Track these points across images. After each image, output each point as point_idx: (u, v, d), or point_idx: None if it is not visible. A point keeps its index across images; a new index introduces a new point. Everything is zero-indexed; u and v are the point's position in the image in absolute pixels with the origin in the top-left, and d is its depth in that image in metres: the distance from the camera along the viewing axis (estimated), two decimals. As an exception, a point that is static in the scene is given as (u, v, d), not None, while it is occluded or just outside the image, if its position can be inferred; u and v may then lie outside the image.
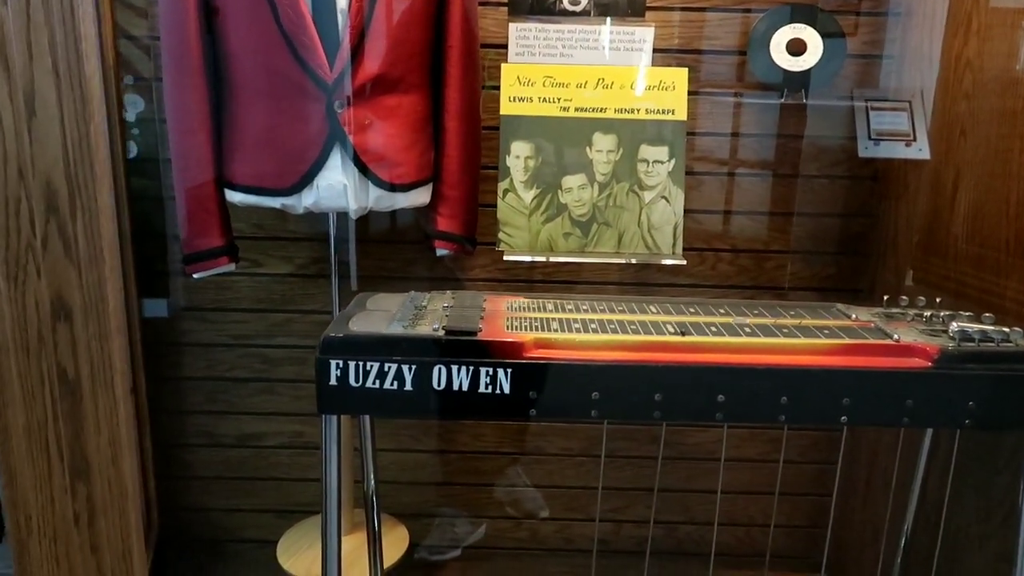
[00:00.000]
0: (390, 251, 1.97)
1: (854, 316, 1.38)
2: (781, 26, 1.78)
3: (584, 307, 1.40)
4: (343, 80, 1.48)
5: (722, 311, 1.41)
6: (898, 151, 1.76)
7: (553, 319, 1.30)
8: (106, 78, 1.34)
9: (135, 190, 1.81)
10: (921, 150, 1.75)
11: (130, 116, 1.87)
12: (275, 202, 1.56)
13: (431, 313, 1.29)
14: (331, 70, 1.46)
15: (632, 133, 1.64)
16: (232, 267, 1.65)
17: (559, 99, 1.64)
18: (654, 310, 1.40)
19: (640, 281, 1.97)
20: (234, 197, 1.58)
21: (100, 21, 1.14)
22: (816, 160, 1.92)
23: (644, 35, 1.84)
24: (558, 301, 1.45)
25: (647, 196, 1.64)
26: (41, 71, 0.76)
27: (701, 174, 1.92)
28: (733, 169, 1.92)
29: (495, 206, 1.76)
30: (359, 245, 1.88)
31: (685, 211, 1.65)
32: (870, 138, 1.77)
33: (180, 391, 2.06)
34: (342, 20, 1.47)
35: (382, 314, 1.29)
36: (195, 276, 1.62)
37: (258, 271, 1.99)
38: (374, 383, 1.17)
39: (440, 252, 1.71)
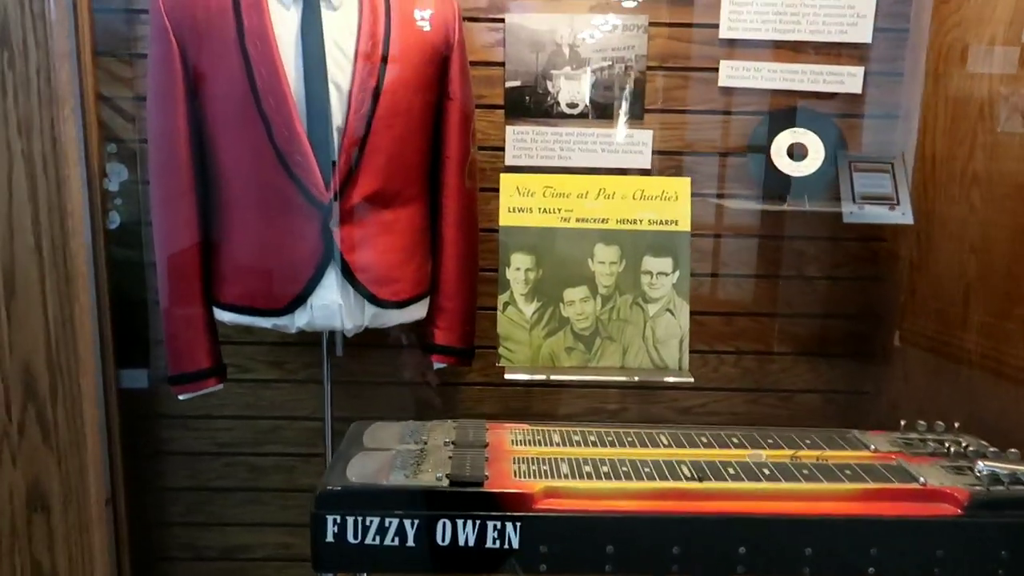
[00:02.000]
0: (383, 357, 1.90)
1: (873, 447, 1.32)
2: (782, 130, 1.76)
3: (592, 438, 1.34)
4: (339, 198, 1.43)
5: (735, 441, 1.35)
6: (882, 215, 1.73)
7: (561, 458, 1.24)
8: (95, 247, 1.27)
9: (116, 260, 1.74)
10: (904, 214, 1.72)
11: (113, 185, 1.81)
12: (267, 322, 1.50)
13: (432, 453, 1.23)
14: (327, 189, 1.42)
15: (635, 244, 1.60)
16: (220, 387, 1.57)
17: (559, 209, 1.60)
18: (665, 441, 1.34)
19: (643, 384, 1.91)
20: (223, 317, 1.52)
21: (91, 191, 1.08)
22: (817, 261, 1.89)
23: (643, 138, 1.81)
24: (564, 431, 1.39)
25: (651, 309, 1.59)
26: (22, 248, 0.71)
27: (701, 275, 1.88)
28: (734, 270, 1.88)
29: (491, 308, 1.71)
30: (352, 349, 1.81)
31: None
32: (854, 201, 1.74)
33: (161, 502, 1.96)
34: (338, 137, 1.42)
35: (381, 455, 1.22)
36: (181, 398, 1.54)
37: (245, 376, 1.91)
38: (374, 539, 1.10)
39: (437, 366, 1.64)
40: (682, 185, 1.61)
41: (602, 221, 1.60)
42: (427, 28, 1.51)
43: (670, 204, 1.60)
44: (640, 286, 1.59)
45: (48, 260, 0.70)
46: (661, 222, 1.60)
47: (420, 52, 1.49)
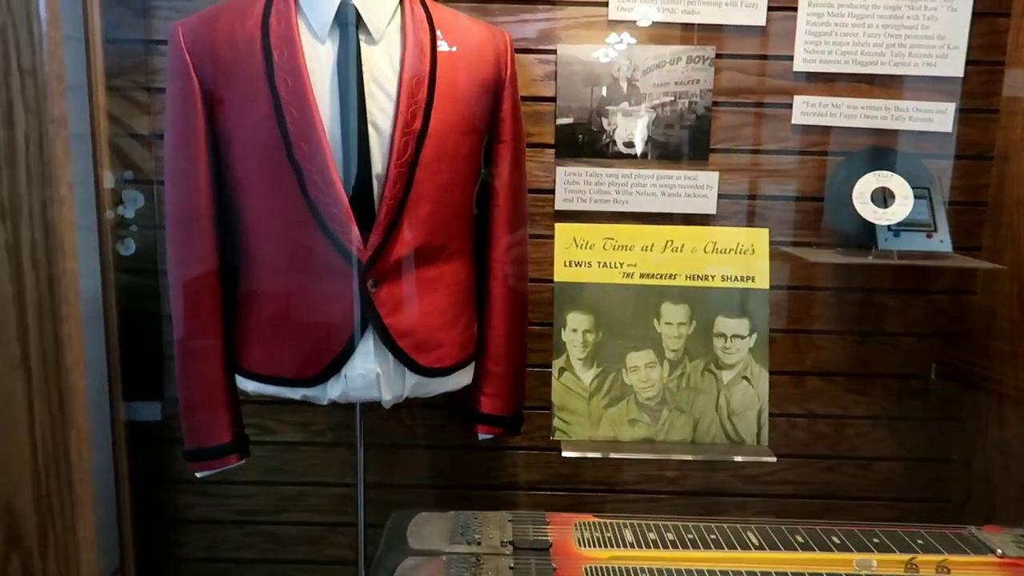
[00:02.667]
0: (420, 416, 1.74)
1: (1000, 551, 1.14)
2: (864, 173, 1.58)
3: (669, 535, 1.17)
4: (378, 256, 1.26)
5: (836, 541, 1.17)
6: (918, 243, 1.55)
7: (640, 568, 1.05)
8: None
9: (127, 288, 1.63)
10: (943, 242, 1.54)
11: (129, 212, 1.67)
12: (295, 393, 1.33)
13: (490, 561, 1.05)
14: (365, 245, 1.25)
15: (707, 303, 1.42)
16: (243, 462, 1.40)
17: (621, 263, 1.43)
18: (755, 541, 1.15)
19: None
20: (247, 386, 1.36)
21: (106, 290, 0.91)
22: (900, 315, 1.70)
23: (708, 180, 1.64)
24: (636, 526, 1.21)
25: (726, 376, 1.42)
26: (4, 363, 0.56)
27: (771, 331, 1.70)
28: (806, 325, 1.70)
29: (539, 366, 1.55)
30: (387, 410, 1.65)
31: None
32: (889, 228, 1.55)
33: (175, 574, 1.80)
34: (377, 187, 1.26)
35: (431, 564, 1.05)
36: (198, 475, 1.38)
37: (268, 439, 1.75)
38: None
39: (483, 437, 1.47)
40: (760, 237, 1.44)
41: (669, 277, 1.43)
42: (477, 62, 1.35)
43: (746, 258, 1.43)
44: (713, 350, 1.42)
45: (38, 377, 0.56)
46: (736, 278, 1.43)
47: (469, 89, 1.33)
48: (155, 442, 1.73)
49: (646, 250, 1.43)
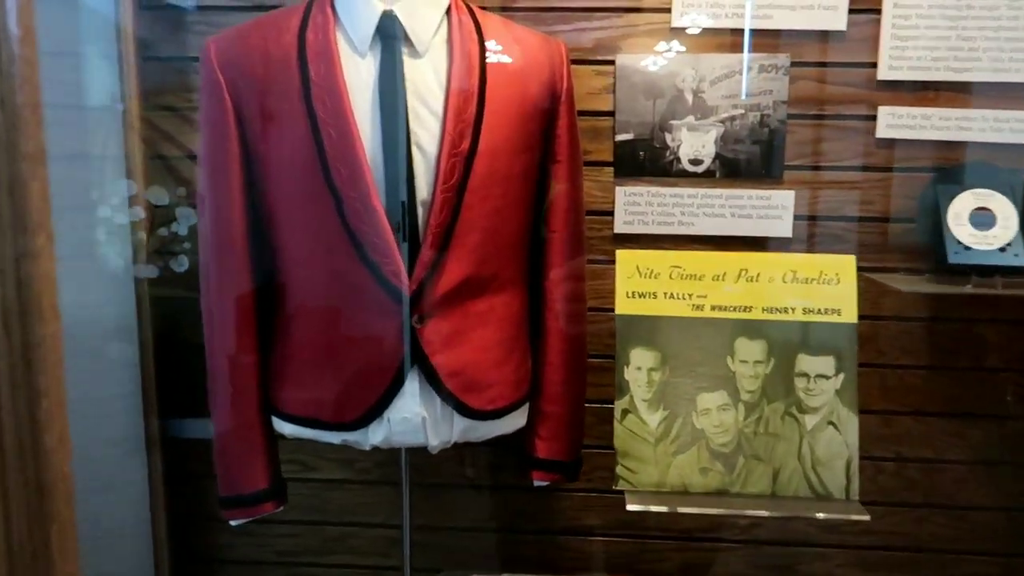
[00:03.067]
0: (470, 455, 1.62)
1: None
2: (959, 191, 1.42)
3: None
4: (424, 288, 1.15)
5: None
6: (991, 257, 1.37)
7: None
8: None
9: (180, 305, 1.56)
10: (1018, 256, 1.36)
11: (182, 230, 1.60)
12: (335, 437, 1.23)
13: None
14: (409, 277, 1.14)
15: (787, 339, 1.28)
16: (280, 509, 1.30)
17: (690, 295, 1.30)
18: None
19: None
20: (283, 428, 1.26)
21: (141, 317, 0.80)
22: (1000, 349, 1.53)
23: (782, 200, 1.49)
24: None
25: (809, 421, 1.27)
26: None
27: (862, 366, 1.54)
28: (894, 359, 1.54)
29: (597, 402, 1.42)
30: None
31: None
32: (959, 241, 1.39)
33: (213, 618, 1.71)
34: (423, 215, 1.15)
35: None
36: (232, 523, 1.28)
37: (311, 476, 1.65)
38: None
39: (538, 483, 1.35)
40: (846, 265, 1.29)
41: (744, 309, 1.29)
42: (530, 76, 1.23)
43: (831, 288, 1.28)
44: (794, 392, 1.27)
45: (12, 464, 0.45)
46: (820, 311, 1.28)
47: (521, 105, 1.21)
48: (194, 477, 1.64)
49: (718, 279, 1.30)
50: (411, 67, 1.16)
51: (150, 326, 1.56)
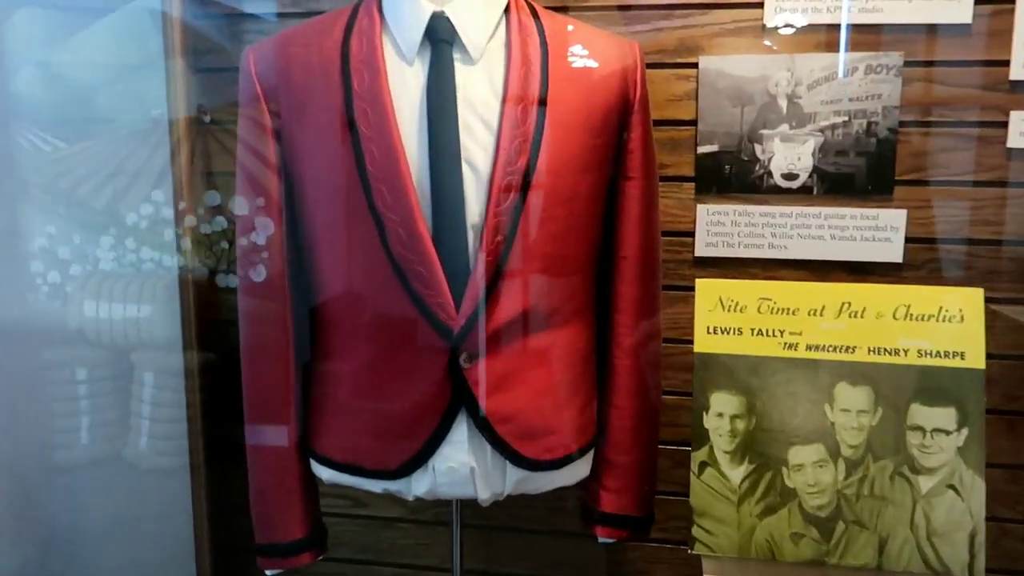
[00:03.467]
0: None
1: None
2: (1112, 210, 1.20)
3: None
4: (473, 324, 1.02)
5: None
6: None
7: None
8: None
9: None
10: None
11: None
12: (375, 486, 1.11)
13: None
14: (457, 311, 1.01)
15: (897, 386, 1.09)
16: (319, 559, 1.20)
17: (782, 331, 1.12)
18: None
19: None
20: (322, 473, 1.15)
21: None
22: None
23: (892, 220, 1.30)
24: None
25: (924, 483, 1.08)
26: None
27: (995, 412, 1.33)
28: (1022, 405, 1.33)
29: (672, 444, 1.26)
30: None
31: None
32: None
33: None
34: (473, 239, 1.02)
35: None
36: (268, 573, 1.18)
37: (360, 512, 1.55)
38: None
39: (603, 540, 1.19)
40: (971, 299, 1.09)
41: (847, 350, 1.11)
42: (599, 82, 1.09)
43: (953, 327, 1.09)
44: (906, 448, 1.08)
45: None
46: (939, 354, 1.09)
47: (588, 116, 1.07)
48: (238, 511, 1.56)
49: (815, 314, 1.12)
50: (463, 74, 1.03)
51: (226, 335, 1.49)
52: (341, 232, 1.06)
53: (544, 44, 1.07)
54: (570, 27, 1.12)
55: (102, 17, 1.45)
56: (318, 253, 1.09)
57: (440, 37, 1.03)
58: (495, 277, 1.02)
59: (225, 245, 1.51)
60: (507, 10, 1.07)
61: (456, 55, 1.03)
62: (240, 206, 1.13)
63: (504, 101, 1.02)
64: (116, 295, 1.48)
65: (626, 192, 1.13)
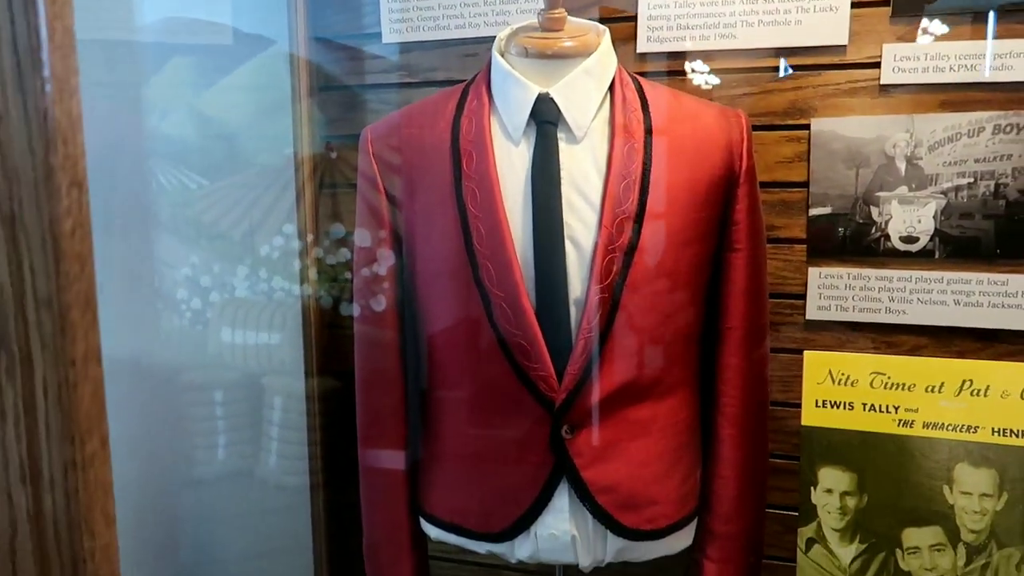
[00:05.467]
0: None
1: None
2: None
3: None
4: (575, 396, 1.05)
5: None
6: None
7: None
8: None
9: None
10: None
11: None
12: (480, 547, 1.15)
13: None
14: (559, 383, 1.04)
15: (1025, 470, 1.03)
16: (428, 614, 1.25)
17: (897, 407, 1.09)
18: None
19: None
20: (430, 531, 1.20)
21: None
22: None
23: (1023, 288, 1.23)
24: None
25: (1055, 576, 1.01)
26: None
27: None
28: None
29: (782, 508, 1.23)
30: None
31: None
32: None
33: None
34: (576, 314, 1.05)
35: None
36: (379, 623, 1.24)
37: (466, 559, 1.59)
38: None
39: (707, 612, 1.19)
40: (1110, 381, 1.02)
41: (968, 430, 1.06)
42: (703, 156, 1.09)
43: (1088, 410, 1.02)
44: (1034, 537, 1.02)
45: None
46: (1072, 438, 1.02)
47: (691, 191, 1.08)
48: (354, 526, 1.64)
49: (933, 391, 1.08)
50: (567, 153, 1.06)
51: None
52: (450, 304, 1.11)
53: (648, 119, 1.09)
54: (674, 100, 1.13)
55: (241, 64, 1.58)
56: (429, 323, 1.14)
57: (545, 118, 1.06)
58: (596, 350, 1.04)
59: (348, 275, 1.61)
60: (611, 87, 1.10)
61: (561, 134, 1.07)
62: (359, 276, 1.20)
63: (607, 179, 1.05)
64: (249, 322, 1.59)
65: (732, 263, 1.13)
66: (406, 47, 1.49)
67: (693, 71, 1.35)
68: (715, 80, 1.34)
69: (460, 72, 1.47)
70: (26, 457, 0.44)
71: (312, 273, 1.58)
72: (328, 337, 1.60)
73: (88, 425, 0.43)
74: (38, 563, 0.44)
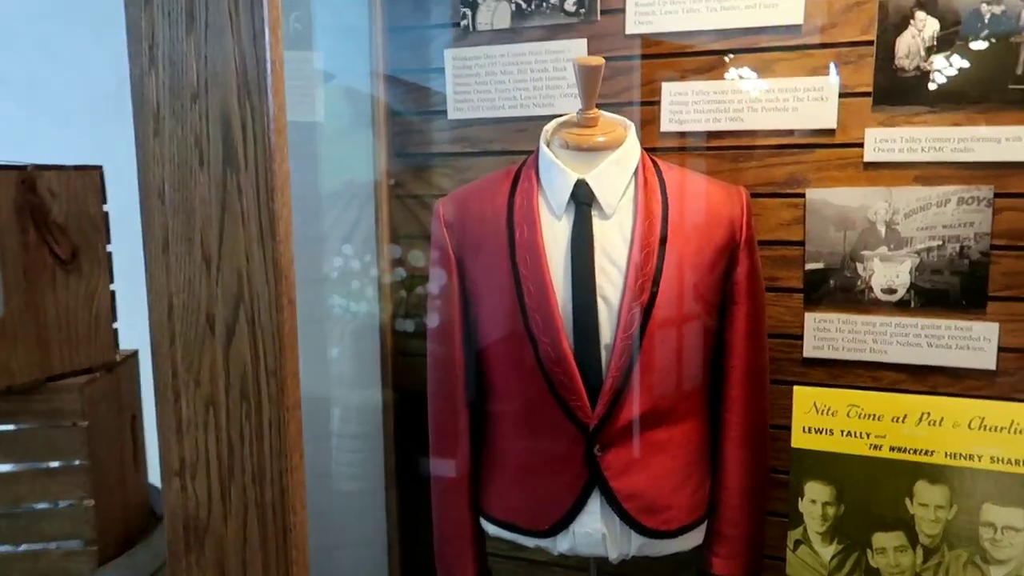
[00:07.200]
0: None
1: None
2: None
3: None
4: (605, 422, 1.32)
5: None
6: None
7: None
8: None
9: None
10: None
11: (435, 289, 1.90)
12: (529, 542, 1.42)
13: None
14: (592, 411, 1.31)
15: (972, 486, 1.27)
16: (484, 594, 1.53)
17: (868, 434, 1.33)
18: None
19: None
20: (489, 528, 1.48)
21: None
22: None
23: (985, 332, 1.47)
24: None
25: (995, 573, 1.25)
26: None
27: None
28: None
29: (783, 515, 1.48)
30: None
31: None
32: None
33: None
34: (606, 356, 1.32)
35: None
36: (447, 605, 1.52)
37: (518, 555, 1.86)
38: None
39: (714, 600, 1.44)
40: (1041, 415, 1.26)
41: (926, 453, 1.30)
42: (709, 228, 1.36)
43: (1023, 439, 1.26)
44: (979, 541, 1.26)
45: None
46: (1009, 461, 1.26)
47: (699, 256, 1.34)
48: (422, 526, 1.92)
49: (898, 421, 1.32)
50: (599, 227, 1.34)
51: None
52: (504, 345, 1.39)
53: (664, 199, 1.36)
54: (687, 180, 1.40)
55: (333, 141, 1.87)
56: (488, 360, 1.42)
57: (582, 200, 1.34)
58: (622, 387, 1.31)
59: (403, 293, 1.88)
60: (636, 171, 1.37)
61: (594, 212, 1.34)
62: (432, 319, 1.49)
63: (631, 248, 1.32)
64: (334, 339, 1.87)
65: (734, 315, 1.39)
66: (467, 123, 1.78)
67: (708, 148, 1.61)
68: (725, 155, 1.60)
69: (512, 144, 1.75)
70: (256, 467, 0.72)
71: (371, 291, 1.86)
72: (399, 358, 1.89)
73: (293, 447, 0.71)
74: (262, 532, 0.72)
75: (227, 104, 0.67)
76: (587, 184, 1.34)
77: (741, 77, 1.57)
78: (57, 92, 2.17)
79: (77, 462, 1.39)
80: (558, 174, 1.36)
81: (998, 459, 1.26)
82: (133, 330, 1.42)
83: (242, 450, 0.72)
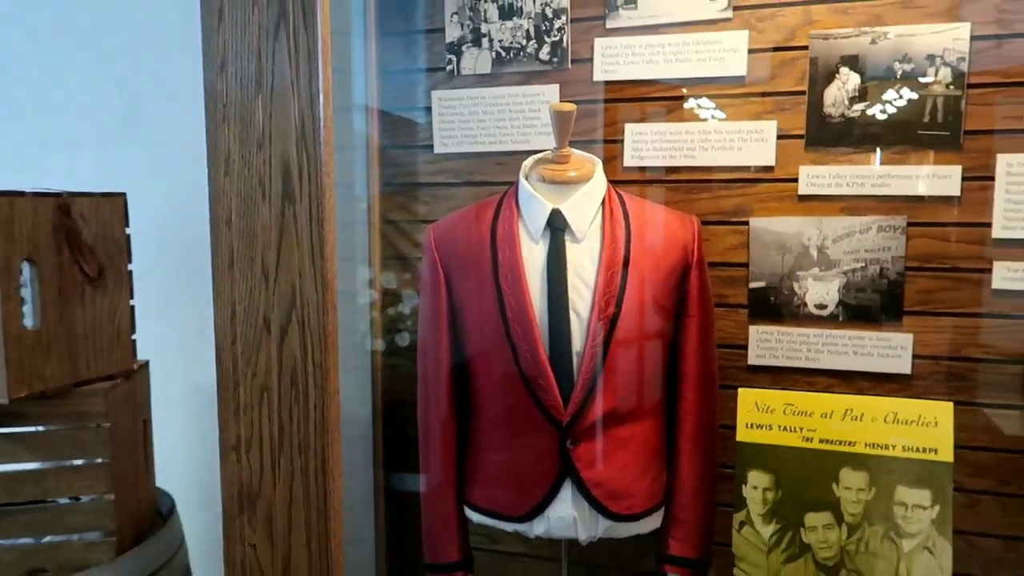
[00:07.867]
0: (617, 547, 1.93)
1: None
2: (1072, 341, 1.56)
3: None
4: (576, 419, 1.52)
5: None
6: None
7: None
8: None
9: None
10: None
11: (406, 309, 2.07)
12: (508, 526, 1.61)
13: None
14: (564, 410, 1.51)
15: (887, 471, 1.49)
16: (468, 576, 1.71)
17: (801, 428, 1.55)
18: None
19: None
20: (472, 516, 1.66)
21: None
22: None
23: (901, 342, 1.70)
24: None
25: (906, 545, 1.47)
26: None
27: (973, 492, 1.69)
28: (1016, 488, 1.67)
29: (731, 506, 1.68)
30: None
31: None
32: None
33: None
34: (576, 362, 1.52)
35: None
36: (433, 584, 1.70)
37: (495, 548, 2.04)
38: None
39: (672, 576, 1.64)
40: (943, 411, 1.49)
41: (849, 444, 1.52)
42: (666, 251, 1.57)
43: (929, 430, 1.49)
44: (893, 518, 1.48)
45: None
46: (917, 449, 1.48)
47: (655, 274, 1.55)
48: (408, 525, 2.09)
49: (826, 417, 1.54)
50: (571, 250, 1.55)
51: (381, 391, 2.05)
52: (488, 353, 1.58)
53: (628, 225, 1.57)
54: (646, 209, 1.62)
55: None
56: (473, 365, 1.62)
57: (557, 226, 1.55)
58: (591, 388, 1.52)
59: (391, 311, 2.06)
60: (603, 202, 1.58)
61: (567, 237, 1.55)
62: (422, 332, 1.68)
63: (599, 268, 1.53)
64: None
65: (686, 326, 1.61)
66: (451, 156, 1.99)
67: (665, 181, 1.83)
68: (679, 187, 1.82)
69: (491, 176, 1.96)
70: (302, 441, 0.89)
71: (379, 316, 2.05)
72: (388, 370, 2.07)
73: (333, 425, 0.89)
74: (305, 494, 0.89)
75: (287, 152, 0.86)
76: (561, 213, 1.54)
77: (694, 119, 1.80)
78: (63, 118, 2.29)
79: (99, 460, 1.54)
80: (535, 204, 1.56)
81: (909, 448, 1.48)
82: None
83: (291, 428, 0.90)
